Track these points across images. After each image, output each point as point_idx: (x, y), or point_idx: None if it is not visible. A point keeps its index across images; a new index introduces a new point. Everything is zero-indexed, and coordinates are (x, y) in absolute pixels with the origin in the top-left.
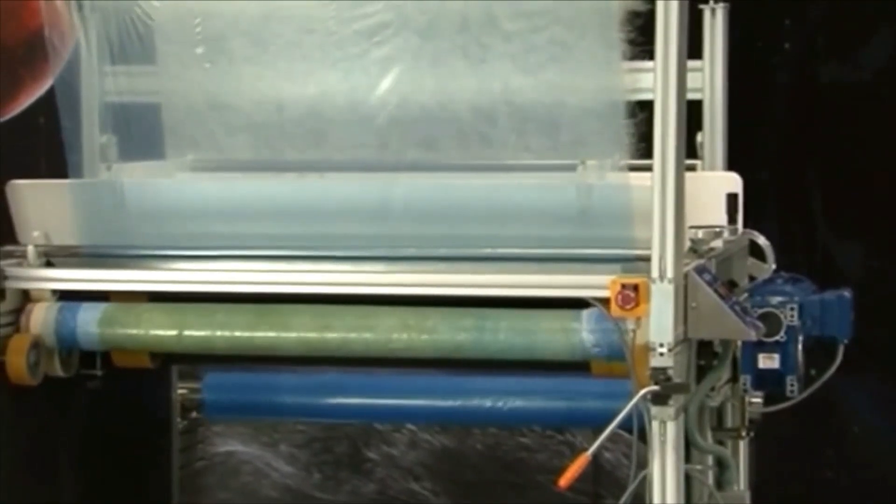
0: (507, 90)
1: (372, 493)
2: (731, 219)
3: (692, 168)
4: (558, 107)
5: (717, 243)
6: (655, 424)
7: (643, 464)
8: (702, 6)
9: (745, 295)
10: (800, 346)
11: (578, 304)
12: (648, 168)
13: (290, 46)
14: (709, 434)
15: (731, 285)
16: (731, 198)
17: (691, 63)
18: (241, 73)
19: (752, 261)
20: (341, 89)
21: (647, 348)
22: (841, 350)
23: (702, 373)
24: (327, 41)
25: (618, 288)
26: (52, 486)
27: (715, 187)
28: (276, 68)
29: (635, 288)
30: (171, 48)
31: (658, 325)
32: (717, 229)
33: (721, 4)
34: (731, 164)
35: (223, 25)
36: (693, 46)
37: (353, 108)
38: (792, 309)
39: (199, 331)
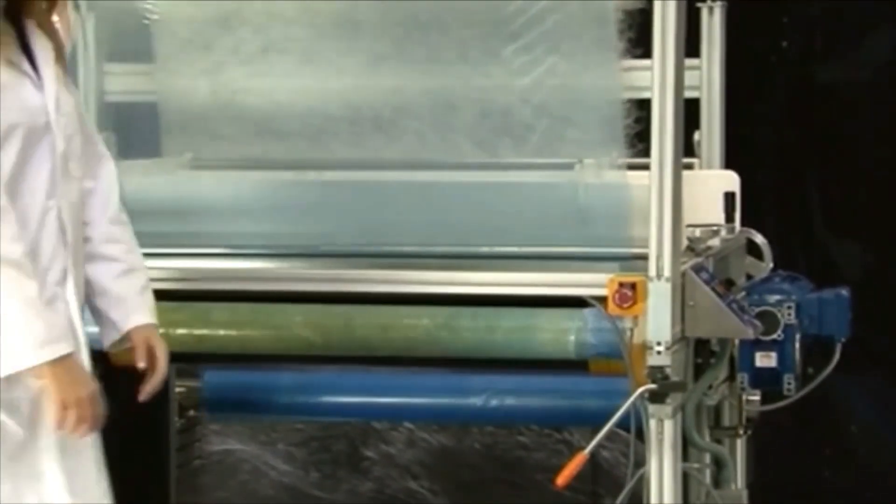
0: (504, 90)
1: (370, 492)
2: (729, 217)
3: (689, 167)
4: (556, 106)
5: (715, 242)
6: (653, 423)
7: (641, 462)
8: (699, 4)
9: (743, 293)
10: (797, 345)
11: (576, 302)
12: (646, 167)
13: (289, 46)
14: (706, 432)
15: (729, 284)
16: (729, 196)
17: (689, 61)
18: (240, 72)
19: (749, 259)
20: (342, 87)
21: (645, 347)
22: (838, 349)
23: (699, 371)
24: (328, 42)
25: (615, 286)
26: None
27: (712, 186)
28: (274, 66)
29: (633, 286)
30: (169, 47)
31: (655, 323)
32: (715, 228)
33: (718, 3)
34: (729, 163)
35: (221, 25)
36: (690, 45)
37: (350, 104)
38: (789, 307)
39: (196, 329)
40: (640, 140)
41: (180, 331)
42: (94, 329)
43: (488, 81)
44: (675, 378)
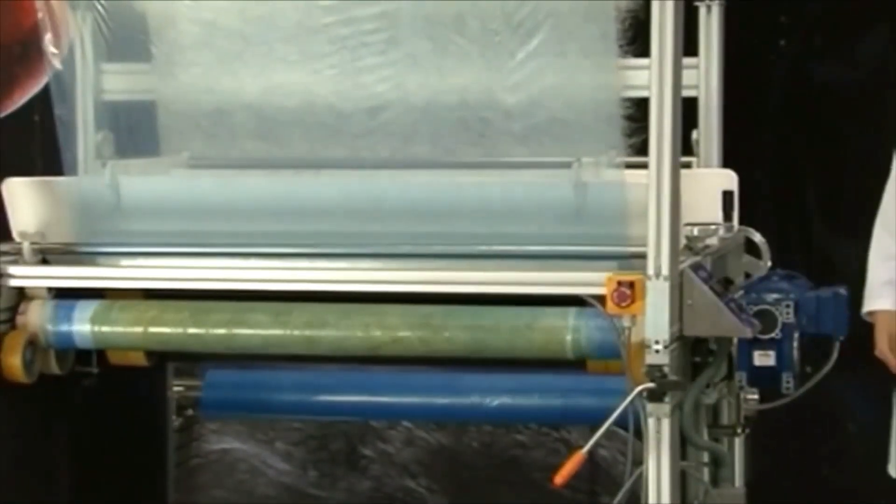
0: (502, 88)
1: (368, 491)
2: (727, 216)
3: (687, 165)
4: (554, 104)
5: (713, 241)
6: (651, 421)
7: (639, 461)
8: (697, 3)
9: (741, 292)
10: (795, 344)
11: (574, 301)
12: (644, 165)
13: (287, 47)
14: (704, 431)
15: (727, 283)
16: (727, 195)
17: (687, 60)
18: (238, 71)
19: (747, 258)
20: (336, 72)
21: (643, 345)
22: (836, 347)
23: (697, 370)
24: (325, 43)
25: (614, 285)
26: (46, 485)
27: (710, 184)
28: (270, 55)
29: (631, 285)
30: (166, 46)
31: (654, 322)
32: (713, 227)
33: (716, 2)
34: (727, 162)
35: (219, 25)
36: (689, 44)
37: (348, 94)
38: (787, 306)
39: (194, 328)
40: (638, 139)
41: (180, 330)
42: (85, 328)
43: (486, 79)
44: (673, 377)
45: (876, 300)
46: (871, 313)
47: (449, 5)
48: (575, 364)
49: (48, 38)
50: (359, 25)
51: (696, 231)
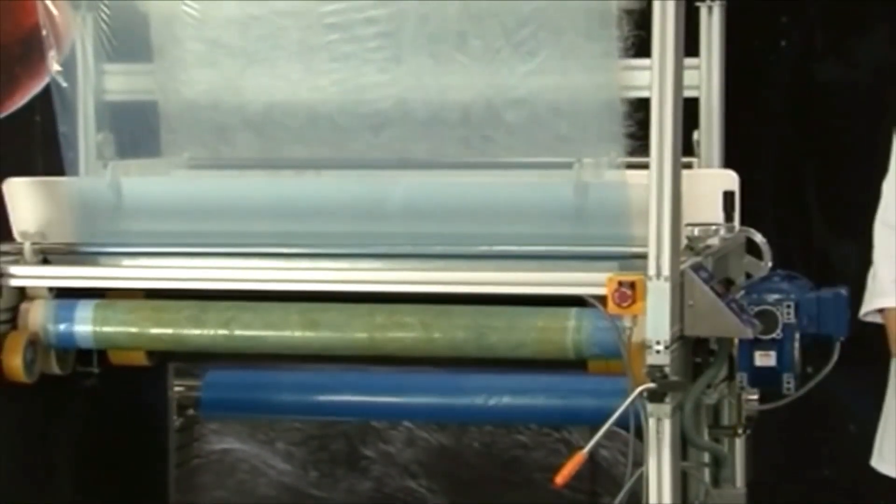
0: (503, 88)
1: (368, 491)
2: (728, 216)
3: (689, 166)
4: (554, 105)
5: (714, 241)
6: (652, 422)
7: (640, 461)
8: (698, 4)
9: (742, 293)
10: (796, 344)
11: (575, 301)
12: (645, 166)
13: (287, 46)
14: (705, 431)
15: (728, 283)
16: (728, 195)
17: (688, 61)
18: (238, 71)
19: (748, 258)
20: (339, 87)
21: (644, 346)
22: (837, 348)
23: (698, 370)
24: (326, 42)
25: (614, 285)
26: (47, 485)
27: (711, 185)
28: (273, 67)
29: (632, 285)
30: (170, 62)
31: (654, 322)
32: (714, 227)
33: (718, 2)
34: (728, 162)
35: (219, 24)
36: (690, 44)
37: (350, 107)
38: (788, 306)
39: (194, 328)
40: (639, 139)
41: (180, 330)
42: (86, 328)
43: (487, 80)
44: (673, 377)
45: (886, 297)
46: (881, 311)
47: (451, 23)
48: (576, 364)
49: (49, 40)
50: (361, 43)
51: (696, 231)
